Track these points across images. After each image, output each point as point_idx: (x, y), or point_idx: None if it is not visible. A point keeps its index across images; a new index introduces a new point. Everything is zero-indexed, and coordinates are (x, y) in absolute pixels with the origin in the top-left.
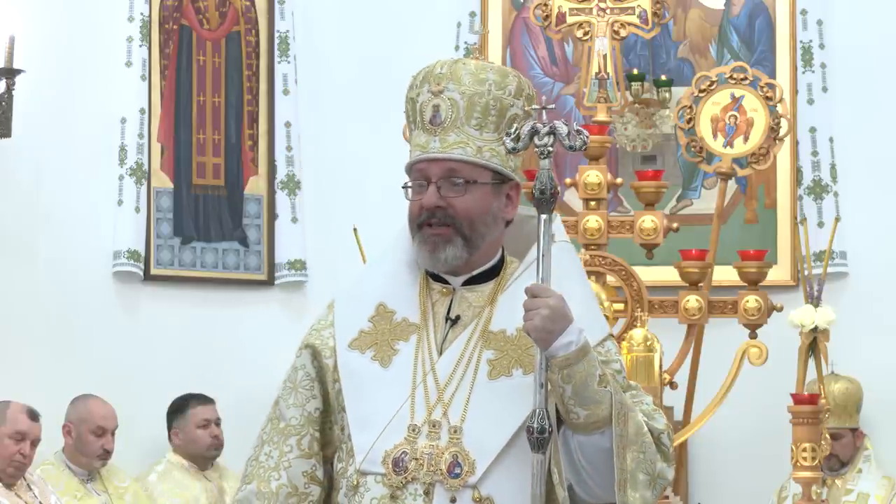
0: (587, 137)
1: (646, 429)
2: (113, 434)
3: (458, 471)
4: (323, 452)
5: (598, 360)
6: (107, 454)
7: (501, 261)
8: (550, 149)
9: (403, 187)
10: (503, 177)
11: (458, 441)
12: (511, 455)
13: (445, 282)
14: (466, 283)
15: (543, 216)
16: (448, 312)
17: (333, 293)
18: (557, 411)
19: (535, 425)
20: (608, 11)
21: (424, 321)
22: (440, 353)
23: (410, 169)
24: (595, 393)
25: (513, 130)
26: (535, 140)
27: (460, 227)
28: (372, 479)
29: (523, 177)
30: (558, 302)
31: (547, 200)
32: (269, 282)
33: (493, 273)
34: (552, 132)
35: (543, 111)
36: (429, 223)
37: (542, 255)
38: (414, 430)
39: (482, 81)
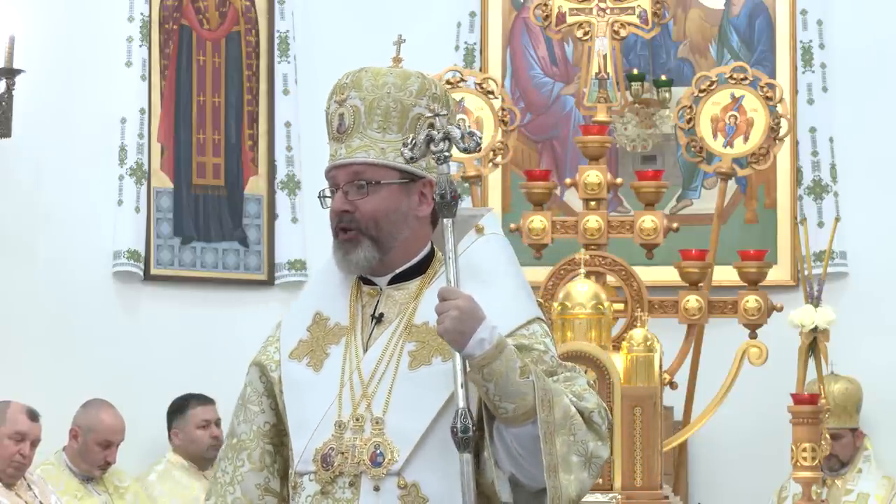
0: (480, 138)
1: (574, 410)
2: (118, 446)
3: (380, 459)
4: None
5: (515, 351)
6: (107, 465)
7: (429, 257)
8: (447, 154)
9: (319, 197)
10: (413, 175)
11: (381, 431)
12: (434, 441)
13: (375, 283)
14: (392, 281)
15: (447, 220)
16: (374, 312)
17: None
18: (487, 408)
19: (459, 425)
20: (608, 11)
21: (353, 323)
22: (366, 351)
23: (326, 179)
24: (518, 385)
25: (409, 140)
26: (432, 147)
27: (366, 229)
28: (307, 478)
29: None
30: (466, 302)
31: (448, 205)
32: (269, 282)
33: (421, 270)
34: (447, 137)
35: (437, 117)
36: (341, 228)
37: (450, 258)
38: (340, 427)
39: (381, 85)
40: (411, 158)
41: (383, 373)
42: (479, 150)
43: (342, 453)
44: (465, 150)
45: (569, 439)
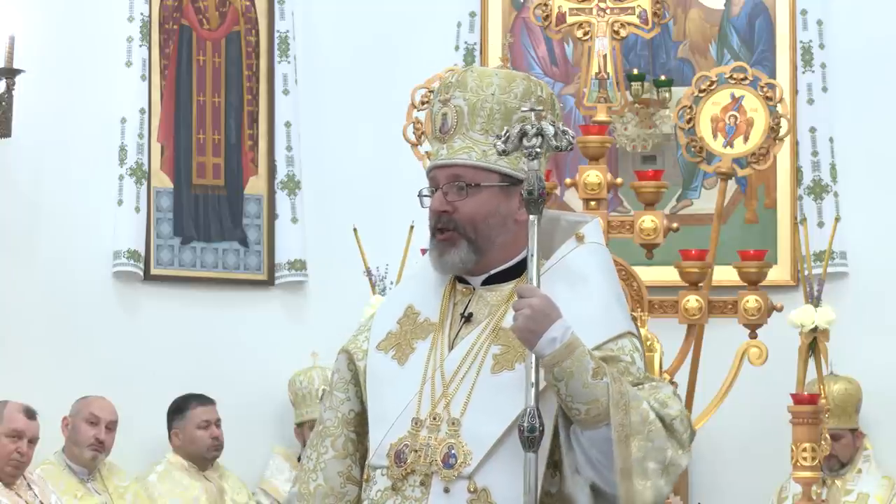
0: (573, 137)
1: (653, 416)
2: (109, 428)
3: (452, 461)
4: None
5: (591, 353)
6: (99, 445)
7: (526, 260)
8: (539, 150)
9: (419, 196)
10: (515, 179)
11: (456, 433)
12: (509, 447)
13: (469, 283)
14: (487, 282)
15: (532, 217)
16: (464, 311)
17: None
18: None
19: (526, 424)
20: (608, 11)
21: (442, 320)
22: (451, 350)
23: (427, 178)
24: (591, 387)
25: (503, 132)
26: (524, 141)
27: (464, 231)
28: (379, 472)
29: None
30: (541, 302)
31: (535, 201)
32: (269, 282)
33: (517, 273)
34: (540, 133)
35: (532, 112)
36: (439, 228)
37: (532, 256)
38: (417, 424)
39: (486, 86)
40: (503, 151)
41: (465, 373)
42: (571, 149)
43: (415, 451)
44: (557, 149)
45: (646, 445)
